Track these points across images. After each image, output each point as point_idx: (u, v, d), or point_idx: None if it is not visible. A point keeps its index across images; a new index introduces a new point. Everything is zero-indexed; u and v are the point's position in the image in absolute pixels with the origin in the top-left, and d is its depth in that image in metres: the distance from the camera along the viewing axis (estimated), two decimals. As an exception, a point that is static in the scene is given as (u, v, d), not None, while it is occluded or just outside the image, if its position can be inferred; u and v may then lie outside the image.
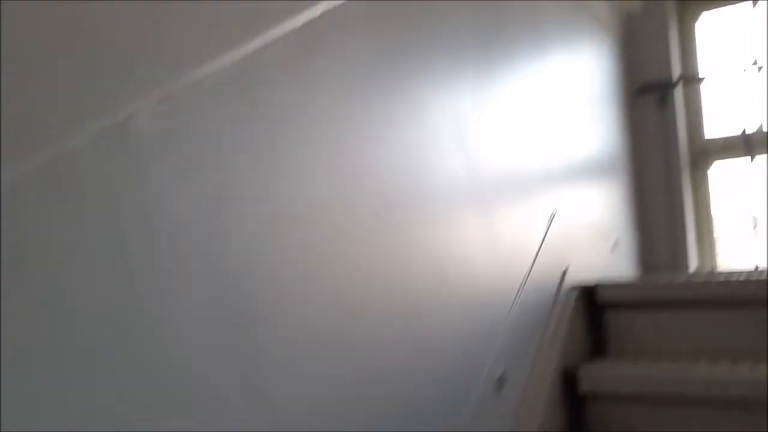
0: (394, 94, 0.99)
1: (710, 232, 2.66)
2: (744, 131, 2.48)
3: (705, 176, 2.67)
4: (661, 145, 2.61)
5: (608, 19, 2.48)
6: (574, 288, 1.66)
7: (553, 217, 1.59)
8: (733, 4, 2.67)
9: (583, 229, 1.86)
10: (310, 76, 0.77)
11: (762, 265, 2.46)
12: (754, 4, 2.62)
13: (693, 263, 2.59)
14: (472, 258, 1.20)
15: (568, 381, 1.44)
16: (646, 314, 1.59)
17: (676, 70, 2.66)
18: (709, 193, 2.67)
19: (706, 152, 2.66)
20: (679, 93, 2.66)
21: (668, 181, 2.60)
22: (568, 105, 1.89)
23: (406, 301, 0.97)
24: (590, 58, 2.24)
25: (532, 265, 1.48)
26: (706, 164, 2.66)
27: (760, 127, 2.54)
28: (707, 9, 2.73)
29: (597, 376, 1.40)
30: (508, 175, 1.40)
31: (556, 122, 1.75)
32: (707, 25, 2.75)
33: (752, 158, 2.45)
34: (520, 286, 1.41)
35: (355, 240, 0.86)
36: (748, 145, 2.46)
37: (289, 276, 0.73)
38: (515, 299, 1.38)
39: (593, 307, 1.66)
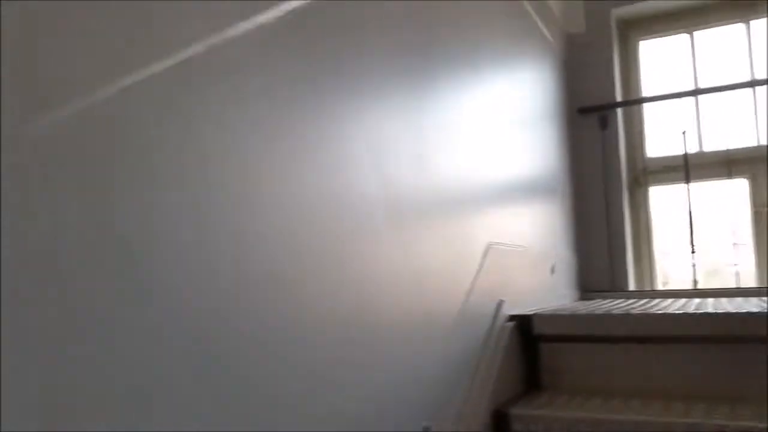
0: (309, 126, 0.91)
1: (649, 251, 2.67)
2: (684, 152, 2.49)
3: (645, 196, 2.68)
4: (601, 166, 2.61)
5: (552, 39, 2.45)
6: (509, 319, 1.61)
7: (487, 249, 1.53)
8: (673, 34, 2.71)
9: (521, 256, 1.82)
10: (199, 112, 0.69)
11: (699, 286, 2.48)
12: (690, 35, 2.67)
13: (631, 283, 2.60)
14: (395, 297, 1.13)
15: (500, 420, 1.39)
16: (582, 347, 1.56)
17: (618, 92, 2.67)
18: (648, 213, 2.69)
19: (647, 173, 2.67)
20: (620, 114, 2.67)
21: (608, 202, 2.60)
22: (506, 127, 1.85)
23: (323, 338, 0.89)
24: (532, 78, 2.21)
25: (466, 298, 1.42)
26: (646, 185, 2.68)
27: (699, 149, 2.57)
28: (648, 36, 2.75)
29: (529, 416, 1.35)
30: (438, 207, 1.34)
31: (493, 145, 1.70)
32: (650, 50, 2.77)
33: (690, 180, 2.46)
34: (453, 322, 1.35)
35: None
36: (687, 166, 2.47)
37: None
38: (447, 337, 1.32)
39: (529, 338, 1.61)
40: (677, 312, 1.42)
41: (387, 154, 1.14)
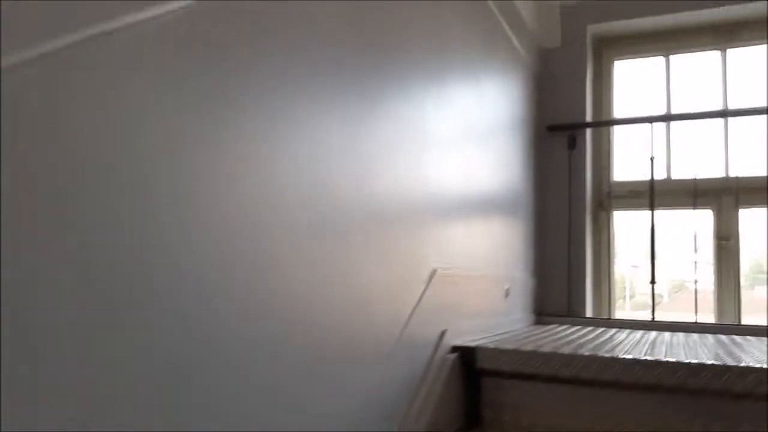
0: (226, 130, 0.79)
1: (609, 277, 2.60)
2: (651, 179, 2.41)
3: (608, 221, 2.61)
4: (566, 186, 2.53)
5: (523, 51, 2.36)
6: (452, 350, 1.50)
7: (433, 274, 1.43)
8: (648, 56, 2.64)
9: (472, 280, 1.72)
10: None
11: (665, 301, 2.41)
12: (666, 58, 2.59)
13: (589, 309, 2.52)
14: (320, 321, 1.02)
15: (431, 463, 1.28)
16: (526, 385, 1.46)
17: (589, 112, 2.59)
18: (611, 238, 2.61)
19: (611, 197, 2.59)
20: (589, 135, 2.58)
21: (570, 224, 2.51)
22: (466, 140, 1.74)
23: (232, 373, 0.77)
24: (498, 90, 2.11)
25: (405, 327, 1.32)
26: (610, 209, 2.60)
27: (667, 177, 2.50)
28: (623, 56, 2.68)
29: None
30: (378, 225, 1.22)
31: (449, 160, 1.59)
32: (624, 71, 2.69)
33: (654, 207, 2.38)
34: (388, 353, 1.24)
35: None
36: (652, 193, 2.39)
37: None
38: (381, 369, 1.21)
39: (471, 372, 1.51)
40: (627, 357, 1.32)
41: (319, 167, 1.02)
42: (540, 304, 2.49)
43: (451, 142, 1.61)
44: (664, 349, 1.54)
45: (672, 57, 2.59)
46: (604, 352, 1.40)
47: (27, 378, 0.54)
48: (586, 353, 1.38)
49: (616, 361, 1.33)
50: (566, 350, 1.42)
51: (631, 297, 3.06)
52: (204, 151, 0.76)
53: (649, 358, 1.31)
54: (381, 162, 1.23)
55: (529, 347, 1.47)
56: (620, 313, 2.67)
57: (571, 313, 2.47)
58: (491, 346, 1.50)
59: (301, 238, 0.96)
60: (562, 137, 2.54)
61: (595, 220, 2.60)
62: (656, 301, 2.35)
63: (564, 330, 2.09)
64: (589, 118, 2.57)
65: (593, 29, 2.61)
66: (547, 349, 1.45)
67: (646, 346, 1.60)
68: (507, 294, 2.05)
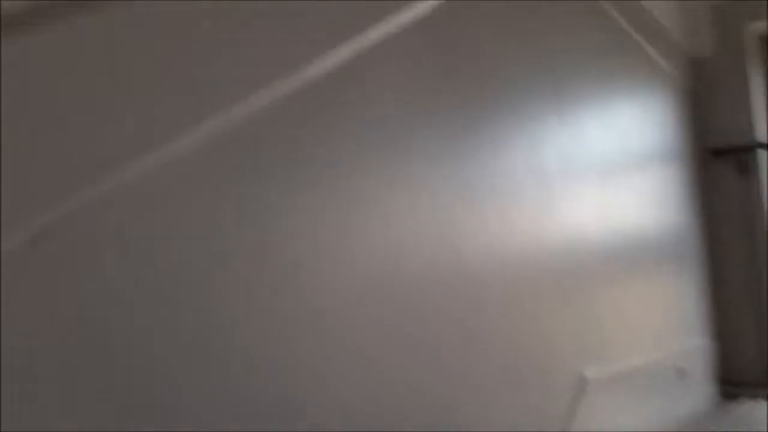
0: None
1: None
2: None
3: (803, 259, 2.09)
4: (742, 220, 2.07)
5: (669, 67, 1.96)
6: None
7: (582, 387, 1.09)
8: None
9: (634, 375, 1.35)
10: None
11: None
12: None
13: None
14: None
15: None
16: None
17: (761, 128, 2.11)
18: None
19: (804, 229, 2.08)
20: (764, 156, 2.10)
21: (753, 267, 2.04)
22: (606, 178, 1.40)
23: None
24: (643, 115, 1.74)
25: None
26: (805, 244, 2.08)
27: None
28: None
29: None
30: (487, 318, 0.92)
31: (576, 206, 1.26)
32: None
33: None
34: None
35: None
36: None
37: None
38: None
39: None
40: None
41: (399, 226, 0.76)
42: (726, 370, 2.02)
43: (580, 184, 1.28)
44: None
45: None
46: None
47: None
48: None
49: None
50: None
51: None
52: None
53: None
54: (487, 218, 0.94)
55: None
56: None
57: (768, 379, 1.97)
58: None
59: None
60: (731, 162, 2.09)
61: (786, 259, 2.10)
62: None
63: (762, 413, 1.64)
64: (763, 136, 2.09)
65: (753, 28, 2.14)
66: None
67: None
68: (681, 375, 1.63)
